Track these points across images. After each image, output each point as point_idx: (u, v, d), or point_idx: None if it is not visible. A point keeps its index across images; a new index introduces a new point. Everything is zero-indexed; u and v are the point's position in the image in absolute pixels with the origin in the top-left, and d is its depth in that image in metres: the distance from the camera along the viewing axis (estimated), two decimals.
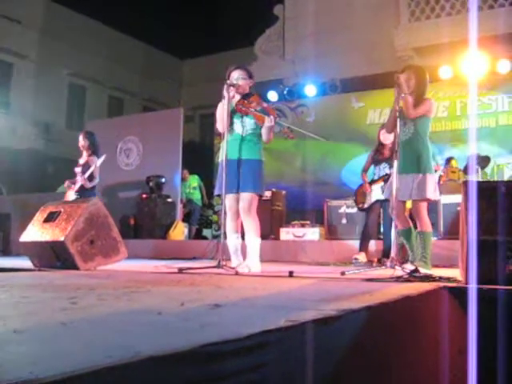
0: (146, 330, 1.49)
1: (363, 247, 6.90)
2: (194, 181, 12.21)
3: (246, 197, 4.95)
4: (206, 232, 13.48)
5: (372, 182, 6.88)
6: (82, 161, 7.90)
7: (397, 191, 4.77)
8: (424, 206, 5.02)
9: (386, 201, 6.67)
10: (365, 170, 6.99)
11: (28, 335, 1.41)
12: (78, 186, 7.67)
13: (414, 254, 5.09)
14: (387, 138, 6.59)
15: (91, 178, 7.68)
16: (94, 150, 7.89)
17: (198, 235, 12.33)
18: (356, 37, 14.10)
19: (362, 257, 6.79)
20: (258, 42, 16.63)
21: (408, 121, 5.04)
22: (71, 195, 7.73)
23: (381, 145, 6.84)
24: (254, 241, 4.95)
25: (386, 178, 6.66)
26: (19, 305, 2.13)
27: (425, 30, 13.44)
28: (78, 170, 7.84)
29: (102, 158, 7.76)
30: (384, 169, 6.81)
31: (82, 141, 7.92)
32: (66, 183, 7.95)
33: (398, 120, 4.93)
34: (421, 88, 5.07)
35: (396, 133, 4.97)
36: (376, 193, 6.77)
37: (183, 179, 11.77)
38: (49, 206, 5.37)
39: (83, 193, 7.62)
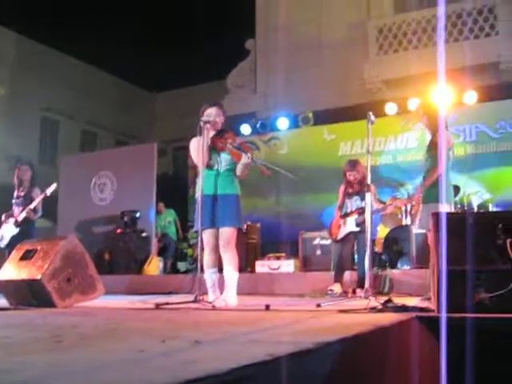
0: (131, 368, 1.55)
1: (338, 278, 6.96)
2: (170, 215, 12.23)
3: (226, 232, 5.00)
4: (181, 265, 13.44)
5: (345, 214, 6.98)
6: (22, 193, 7.75)
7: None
8: None
9: (360, 232, 6.80)
10: (340, 207, 7.10)
11: (19, 376, 1.46)
12: (21, 217, 7.49)
13: None
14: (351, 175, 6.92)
15: (35, 210, 7.59)
16: (35, 182, 7.83)
17: (174, 269, 12.29)
18: (326, 70, 14.37)
19: (337, 288, 6.86)
20: (230, 75, 16.79)
21: (426, 155, 5.61)
22: (10, 228, 7.57)
23: (348, 181, 7.01)
24: (232, 275, 5.01)
25: (360, 212, 6.79)
26: (3, 345, 2.16)
27: (393, 62, 13.77)
28: (17, 201, 7.70)
29: (53, 187, 7.63)
30: (356, 201, 6.94)
31: (27, 173, 7.82)
32: (3, 217, 7.76)
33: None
34: (433, 124, 5.65)
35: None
36: (349, 225, 6.87)
37: (159, 212, 11.78)
38: (25, 244, 5.37)
39: (26, 225, 7.52)
